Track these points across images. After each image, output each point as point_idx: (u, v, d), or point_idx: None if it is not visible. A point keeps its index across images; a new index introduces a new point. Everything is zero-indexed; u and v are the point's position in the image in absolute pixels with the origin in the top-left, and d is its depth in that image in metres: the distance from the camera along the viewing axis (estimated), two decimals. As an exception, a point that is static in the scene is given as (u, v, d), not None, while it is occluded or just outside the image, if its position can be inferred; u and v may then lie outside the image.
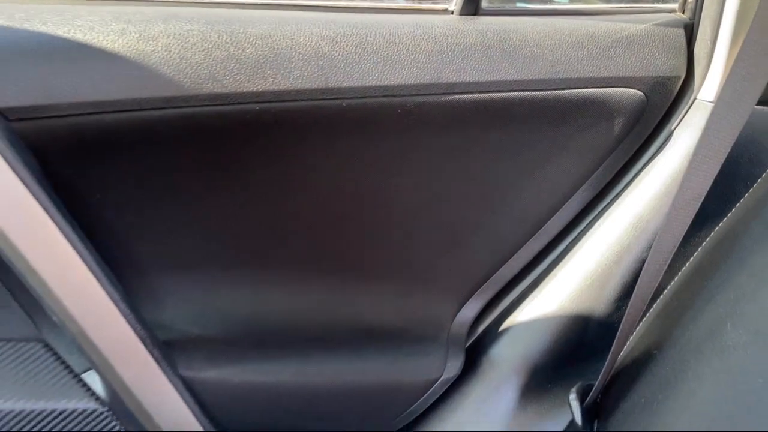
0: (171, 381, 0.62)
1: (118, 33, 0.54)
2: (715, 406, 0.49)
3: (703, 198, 0.54)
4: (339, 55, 0.57)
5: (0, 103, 0.52)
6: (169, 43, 0.55)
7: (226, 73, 0.55)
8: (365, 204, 0.64)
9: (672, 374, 0.55)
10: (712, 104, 0.54)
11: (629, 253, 0.65)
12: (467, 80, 0.58)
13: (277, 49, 0.56)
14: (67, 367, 0.63)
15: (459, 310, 0.72)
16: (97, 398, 0.62)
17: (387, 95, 0.57)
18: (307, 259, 0.65)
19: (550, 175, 0.65)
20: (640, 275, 0.56)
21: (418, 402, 0.69)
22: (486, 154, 0.63)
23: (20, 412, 0.61)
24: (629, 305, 0.57)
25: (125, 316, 0.59)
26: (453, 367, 0.69)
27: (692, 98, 0.64)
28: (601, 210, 0.68)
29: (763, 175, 0.56)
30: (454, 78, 0.57)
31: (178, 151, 0.57)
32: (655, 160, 0.65)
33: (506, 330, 0.72)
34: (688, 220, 0.55)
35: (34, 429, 0.61)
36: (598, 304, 0.68)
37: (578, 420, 0.60)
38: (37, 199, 0.54)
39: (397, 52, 0.57)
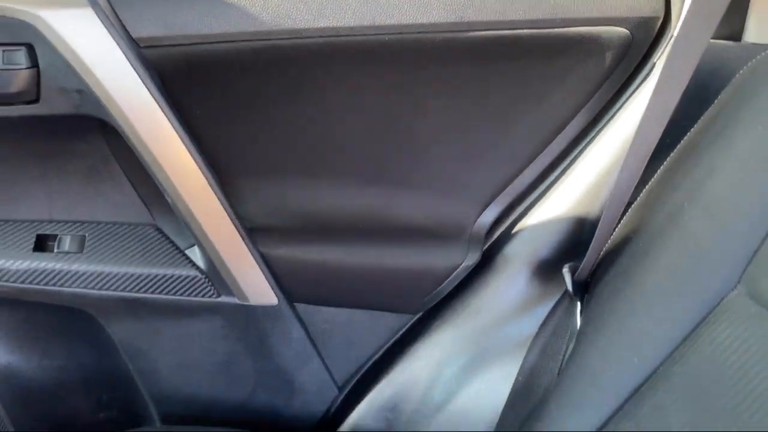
0: (253, 256, 0.81)
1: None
2: (675, 267, 0.65)
3: (671, 112, 0.68)
4: (383, -1, 0.73)
5: (135, 33, 0.70)
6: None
7: (298, 13, 0.72)
8: (403, 124, 0.81)
9: (643, 249, 0.71)
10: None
11: (618, 165, 0.80)
12: (484, 19, 0.73)
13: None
14: (174, 245, 0.82)
15: (479, 215, 0.88)
16: (198, 268, 0.81)
17: (420, 32, 0.73)
18: (358, 168, 0.82)
19: (552, 101, 0.80)
20: (617, 177, 0.71)
21: (443, 284, 0.86)
22: (498, 83, 0.78)
23: (139, 276, 0.80)
24: (609, 201, 0.73)
25: (222, 205, 0.78)
26: (473, 256, 0.86)
27: (670, 35, 0.77)
28: (597, 131, 0.83)
29: (716, 100, 0.70)
30: (474, 17, 0.72)
31: (264, 75, 0.74)
32: (640, 88, 0.79)
33: (518, 232, 0.88)
34: (660, 130, 0.70)
35: (150, 289, 0.80)
36: (594, 209, 0.84)
37: (570, 289, 0.76)
38: (160, 107, 0.72)
39: (430, -4, 0.73)
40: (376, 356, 0.91)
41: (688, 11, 0.62)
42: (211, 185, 0.76)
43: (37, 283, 0.77)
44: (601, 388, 0.68)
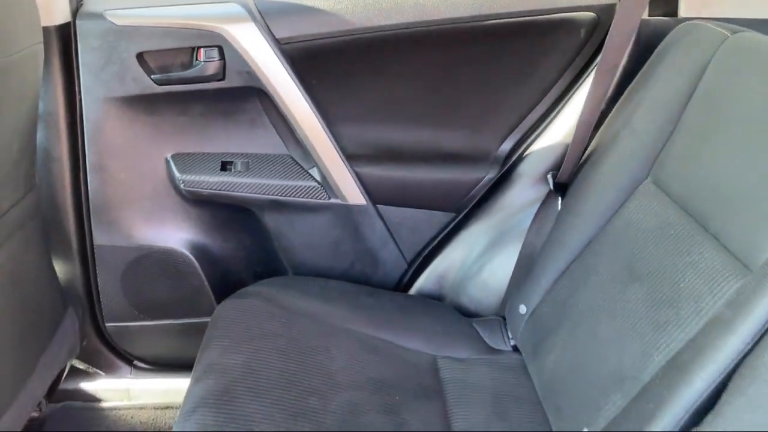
0: (350, 173, 1.27)
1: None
2: (613, 168, 1.05)
3: (617, 69, 1.08)
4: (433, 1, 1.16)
5: (277, 35, 1.17)
6: None
7: (376, 15, 1.15)
8: (444, 85, 1.23)
9: (597, 159, 1.11)
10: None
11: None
12: (496, 11, 1.14)
13: None
14: (302, 166, 1.29)
15: (500, 145, 1.30)
16: (316, 181, 1.28)
17: (453, 23, 1.15)
18: (416, 114, 1.26)
19: (544, 67, 1.20)
20: (580, 113, 1.11)
21: (473, 191, 1.29)
22: (506, 57, 1.19)
23: (281, 186, 1.28)
24: (575, 131, 1.13)
25: (330, 140, 1.24)
26: (494, 172, 1.29)
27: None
28: (576, 87, 1.23)
29: (647, 61, 1.08)
30: (487, 11, 1.14)
31: (356, 57, 1.19)
32: (604, 57, 1.18)
33: (525, 156, 1.30)
34: (610, 81, 1.09)
35: (288, 194, 1.28)
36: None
37: (552, 188, 1.18)
38: (292, 80, 1.19)
39: None
40: (432, 241, 1.37)
41: None
42: (323, 128, 1.23)
43: (221, 190, 1.27)
44: (563, 246, 1.09)
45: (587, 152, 1.16)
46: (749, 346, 0.68)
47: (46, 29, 1.07)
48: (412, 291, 1.39)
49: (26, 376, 1.09)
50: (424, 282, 1.38)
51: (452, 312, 1.30)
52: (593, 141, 1.16)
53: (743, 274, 0.76)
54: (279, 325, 1.09)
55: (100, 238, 1.29)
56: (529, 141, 1.29)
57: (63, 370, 1.30)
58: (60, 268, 1.28)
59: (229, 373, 0.96)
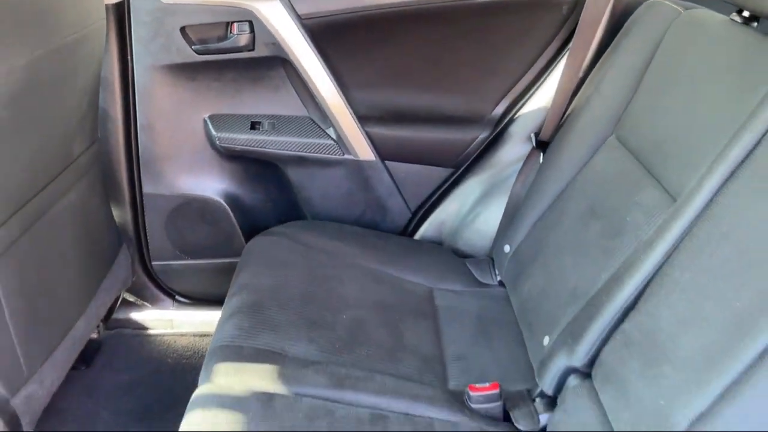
0: (361, 132, 1.46)
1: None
2: (583, 126, 1.23)
3: (590, 42, 1.25)
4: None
5: (299, 11, 1.35)
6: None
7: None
8: (444, 55, 1.42)
9: (572, 121, 1.29)
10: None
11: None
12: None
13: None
14: (320, 126, 1.49)
15: (493, 108, 1.48)
16: (332, 139, 1.48)
17: (449, 2, 1.33)
18: (420, 80, 1.45)
19: (532, 39, 1.38)
20: (559, 81, 1.29)
21: (469, 148, 1.48)
22: (498, 30, 1.37)
23: (302, 143, 1.48)
24: (555, 96, 1.31)
25: (345, 103, 1.43)
26: (487, 132, 1.47)
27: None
28: (560, 59, 1.40)
29: (617, 36, 1.25)
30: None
31: (368, 30, 1.37)
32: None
33: (515, 118, 1.48)
34: (585, 53, 1.27)
35: (308, 150, 1.48)
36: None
37: (534, 145, 1.36)
38: (312, 51, 1.38)
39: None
40: (433, 193, 1.56)
41: None
42: (339, 93, 1.42)
43: (251, 147, 1.47)
44: (542, 194, 1.28)
45: (565, 115, 1.34)
46: (664, 259, 0.87)
47: (106, 7, 1.27)
48: (416, 237, 1.59)
49: (90, 296, 1.32)
50: (426, 229, 1.58)
51: (449, 253, 1.50)
52: (571, 105, 1.34)
53: (672, 205, 0.94)
54: (300, 257, 1.30)
55: (148, 187, 1.51)
56: (518, 105, 1.47)
57: (117, 300, 1.53)
58: (114, 213, 1.51)
59: (259, 291, 1.17)
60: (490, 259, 1.44)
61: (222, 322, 1.11)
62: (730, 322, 0.71)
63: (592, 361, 0.93)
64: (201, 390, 0.95)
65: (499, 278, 1.38)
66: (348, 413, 0.95)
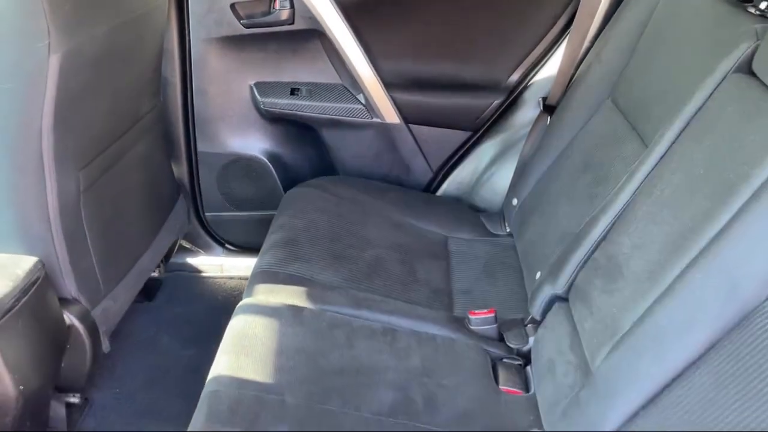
0: (387, 98, 1.63)
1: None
2: (583, 92, 1.37)
3: (594, 12, 1.38)
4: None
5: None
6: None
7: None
8: (464, 26, 1.57)
9: (575, 87, 1.43)
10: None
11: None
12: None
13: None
14: (350, 92, 1.67)
15: (509, 75, 1.63)
16: (362, 103, 1.66)
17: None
18: (440, 49, 1.61)
19: (546, 9, 1.52)
20: (564, 49, 1.43)
21: (485, 112, 1.64)
22: (513, 2, 1.52)
23: (336, 107, 1.66)
24: (562, 60, 1.45)
25: (372, 71, 1.61)
26: (502, 97, 1.62)
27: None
28: (570, 30, 1.53)
29: (619, 7, 1.37)
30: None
31: (402, 5, 1.54)
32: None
33: (529, 85, 1.62)
34: (589, 23, 1.40)
35: (340, 114, 1.67)
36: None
37: (542, 109, 1.51)
38: (344, 23, 1.55)
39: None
40: (453, 155, 1.72)
41: None
42: (368, 62, 1.60)
43: (291, 110, 1.67)
44: (546, 153, 1.43)
45: (571, 81, 1.48)
46: (631, 198, 1.01)
47: (167, -14, 1.48)
48: (439, 193, 1.76)
49: (154, 235, 1.55)
50: (446, 187, 1.75)
51: (465, 208, 1.67)
52: (576, 72, 1.47)
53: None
54: (330, 204, 1.49)
55: (201, 145, 1.73)
56: (531, 74, 1.62)
57: (175, 244, 1.77)
58: (173, 168, 1.73)
59: (293, 230, 1.37)
60: (502, 212, 1.60)
61: (262, 253, 1.31)
62: (669, 242, 0.86)
63: (570, 288, 1.09)
64: (244, 302, 1.15)
65: (508, 229, 1.54)
66: (363, 325, 1.14)
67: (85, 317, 1.22)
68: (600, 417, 0.85)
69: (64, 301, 1.20)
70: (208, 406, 0.92)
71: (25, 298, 1.04)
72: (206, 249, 1.89)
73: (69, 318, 1.19)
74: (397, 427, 0.94)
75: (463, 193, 1.74)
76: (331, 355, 1.05)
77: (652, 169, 0.99)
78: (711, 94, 0.94)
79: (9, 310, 1.00)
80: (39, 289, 1.08)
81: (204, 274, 1.89)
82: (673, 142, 0.97)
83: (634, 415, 0.81)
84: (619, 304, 0.91)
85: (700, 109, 0.95)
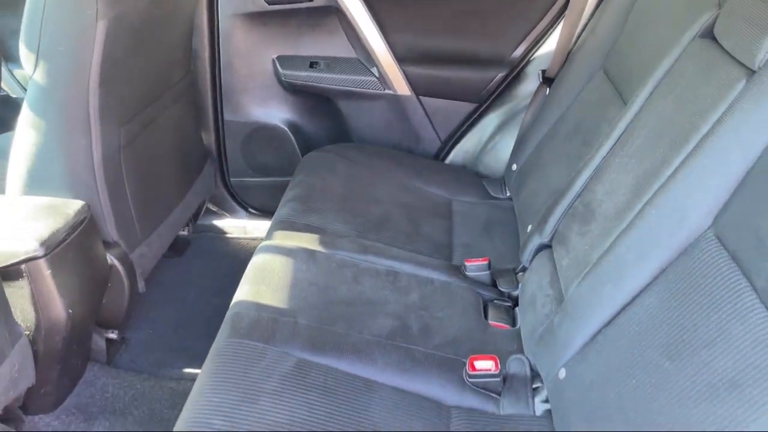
0: (399, 70, 1.76)
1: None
2: (578, 67, 1.49)
3: None
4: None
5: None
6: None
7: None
8: (474, 1, 1.69)
9: (570, 61, 1.54)
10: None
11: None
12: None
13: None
14: (365, 65, 1.80)
15: (512, 51, 1.74)
16: (375, 75, 1.79)
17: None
18: (446, 25, 1.73)
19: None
20: (563, 21, 1.54)
21: (490, 84, 1.75)
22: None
23: (350, 79, 1.80)
24: (560, 34, 1.56)
25: (386, 47, 1.73)
26: (505, 71, 1.74)
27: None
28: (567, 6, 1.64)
29: None
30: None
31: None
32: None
33: (531, 60, 1.74)
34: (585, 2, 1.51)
35: (355, 86, 1.80)
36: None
37: (541, 81, 1.62)
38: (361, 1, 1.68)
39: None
40: (460, 125, 1.85)
41: None
42: (381, 37, 1.73)
43: (310, 82, 1.81)
44: (544, 121, 1.55)
45: (569, 55, 1.59)
46: (609, 152, 1.13)
47: (198, -36, 1.63)
48: (447, 161, 1.89)
49: (184, 193, 1.70)
50: (453, 156, 1.88)
51: (469, 174, 1.79)
52: (574, 46, 1.59)
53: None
54: (344, 167, 1.63)
55: (227, 115, 1.87)
56: (534, 49, 1.73)
57: (203, 205, 1.92)
58: (202, 135, 1.88)
59: (309, 187, 1.51)
60: (503, 178, 1.72)
61: (281, 206, 1.46)
62: (633, 186, 0.98)
63: (554, 236, 1.22)
64: (264, 243, 1.30)
65: (508, 194, 1.66)
66: (369, 266, 1.28)
67: (124, 259, 1.38)
68: (569, 337, 0.98)
69: (106, 244, 1.35)
70: (231, 324, 1.07)
71: (75, 233, 1.19)
72: (231, 212, 2.04)
73: (111, 259, 1.35)
74: (394, 348, 1.08)
75: (469, 161, 1.86)
76: (339, 289, 1.19)
77: (627, 126, 1.11)
78: (678, 57, 1.05)
79: (62, 242, 1.16)
80: (86, 228, 1.24)
81: (228, 235, 2.04)
82: (646, 101, 1.09)
83: (597, 333, 0.93)
84: (590, 242, 1.04)
85: (668, 71, 1.06)
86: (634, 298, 0.90)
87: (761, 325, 0.69)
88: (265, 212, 2.04)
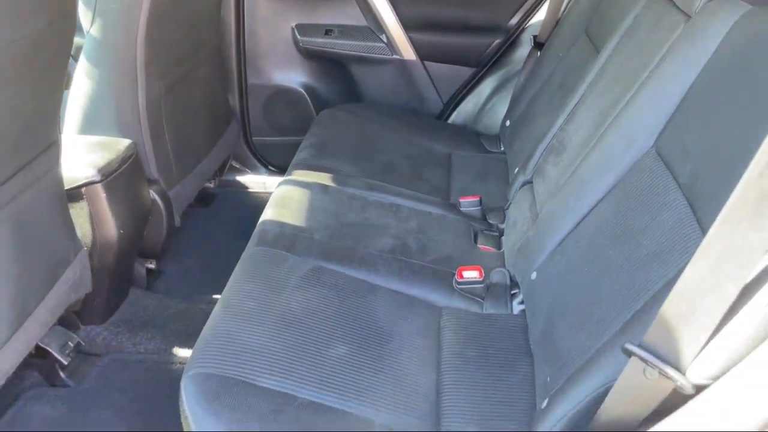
0: (406, 38, 1.95)
1: None
2: (569, 29, 1.67)
3: None
4: None
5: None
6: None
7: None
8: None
9: (563, 16, 1.72)
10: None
11: None
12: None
13: None
14: (376, 34, 1.99)
15: (509, 20, 1.92)
16: (384, 42, 1.98)
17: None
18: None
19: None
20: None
21: (488, 49, 1.94)
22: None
23: (363, 46, 1.99)
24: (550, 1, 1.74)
25: (396, 20, 1.92)
26: (502, 37, 1.92)
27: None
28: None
29: None
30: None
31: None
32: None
33: (527, 27, 1.92)
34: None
35: (366, 51, 1.99)
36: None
37: (533, 45, 1.81)
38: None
39: None
40: (461, 88, 2.03)
41: None
42: (389, 6, 1.91)
43: (325, 48, 2.00)
44: (534, 81, 1.73)
45: (558, 21, 1.77)
46: (581, 97, 1.32)
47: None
48: (449, 121, 2.08)
49: (212, 145, 1.91)
50: (455, 116, 2.07)
51: (469, 131, 1.98)
52: (563, 13, 1.76)
53: (597, 68, 1.38)
54: (354, 123, 1.83)
55: (251, 78, 2.07)
56: (529, 17, 1.91)
57: (227, 161, 2.13)
58: (227, 97, 2.09)
59: (323, 137, 1.71)
60: (498, 135, 1.91)
61: (298, 152, 1.66)
62: (595, 120, 1.17)
63: (534, 172, 1.41)
64: (284, 179, 1.50)
65: (502, 148, 1.85)
66: (375, 200, 1.48)
67: (163, 195, 1.59)
68: (541, 246, 1.17)
69: (149, 181, 1.56)
70: (258, 236, 1.27)
71: (125, 165, 1.40)
72: (252, 169, 2.25)
73: (152, 194, 1.56)
74: (395, 261, 1.28)
75: (468, 121, 2.05)
76: (349, 215, 1.39)
77: (597, 74, 1.29)
78: (638, 14, 1.23)
79: (114, 171, 1.37)
80: (133, 163, 1.44)
81: (250, 190, 2.25)
82: (612, 51, 1.27)
83: (563, 240, 1.12)
84: (561, 171, 1.23)
85: (631, 24, 1.24)
86: (592, 209, 1.09)
87: (682, 210, 0.88)
88: (283, 169, 2.23)
